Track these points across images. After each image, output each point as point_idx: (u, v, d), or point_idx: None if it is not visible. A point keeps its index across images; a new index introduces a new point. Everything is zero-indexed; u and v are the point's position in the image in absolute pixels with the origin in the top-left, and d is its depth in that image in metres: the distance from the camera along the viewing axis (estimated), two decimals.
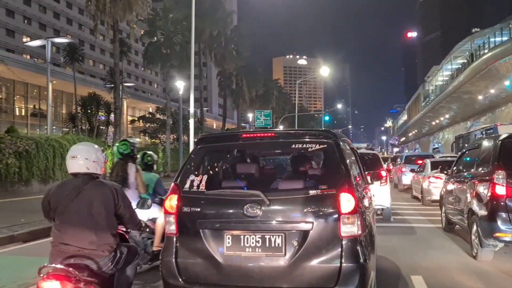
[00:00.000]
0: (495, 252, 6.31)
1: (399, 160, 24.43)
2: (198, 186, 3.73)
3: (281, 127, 52.50)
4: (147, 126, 43.31)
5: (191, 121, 22.10)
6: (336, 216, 3.37)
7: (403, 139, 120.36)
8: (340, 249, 3.33)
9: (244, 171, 4.24)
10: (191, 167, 3.94)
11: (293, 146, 4.03)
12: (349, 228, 3.36)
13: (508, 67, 33.73)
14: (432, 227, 9.55)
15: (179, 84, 25.25)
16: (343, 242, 3.34)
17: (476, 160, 7.23)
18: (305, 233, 3.40)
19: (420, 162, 18.71)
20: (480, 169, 6.78)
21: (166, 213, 3.72)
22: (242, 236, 3.50)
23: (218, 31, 47.59)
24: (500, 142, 6.32)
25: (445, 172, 9.45)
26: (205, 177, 3.82)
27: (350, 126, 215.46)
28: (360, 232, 3.41)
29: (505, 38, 33.49)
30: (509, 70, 33.79)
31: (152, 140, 42.56)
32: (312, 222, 3.39)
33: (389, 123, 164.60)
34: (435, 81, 67.77)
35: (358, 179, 4.24)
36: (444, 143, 62.46)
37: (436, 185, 12.98)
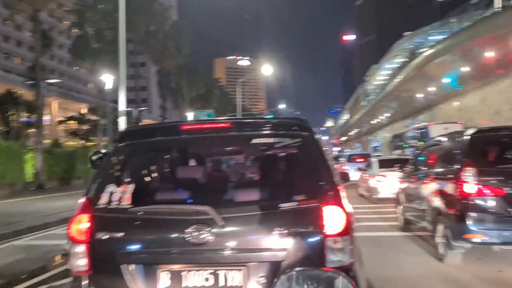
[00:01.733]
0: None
1: (341, 159, 25.64)
2: (119, 201, 2.80)
3: None
4: (79, 128, 40.05)
5: (121, 120, 19.86)
6: (319, 239, 2.58)
7: (344, 138, 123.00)
8: None
9: (186, 177, 3.33)
10: (109, 174, 3.00)
11: (254, 141, 3.08)
12: (337, 256, 2.56)
13: (446, 65, 34.19)
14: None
15: (106, 78, 22.60)
16: None
17: (439, 158, 6.95)
18: (276, 265, 2.55)
19: (360, 160, 21.06)
20: (445, 167, 6.40)
21: (74, 241, 2.74)
22: (184, 273, 2.62)
23: (156, 26, 45.25)
24: (469, 138, 5.95)
25: (401, 170, 9.45)
26: (130, 187, 2.87)
27: None
28: (351, 260, 2.61)
29: (445, 36, 33.81)
30: (447, 67, 34.26)
31: (83, 143, 39.31)
32: (286, 249, 2.56)
33: (330, 123, 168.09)
34: (374, 80, 69.14)
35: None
36: (384, 142, 63.78)
37: (382, 183, 13.26)
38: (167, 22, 47.87)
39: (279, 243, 2.57)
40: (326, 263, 2.56)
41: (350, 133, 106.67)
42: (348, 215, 2.68)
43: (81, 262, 2.70)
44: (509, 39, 25.57)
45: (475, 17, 29.80)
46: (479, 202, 5.45)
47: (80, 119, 39.35)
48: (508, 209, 5.37)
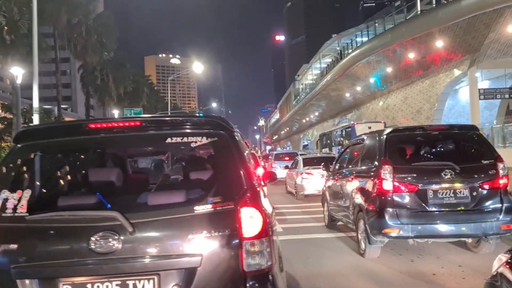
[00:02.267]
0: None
1: (270, 157, 27.02)
2: (15, 209, 2.57)
3: None
4: None
5: (35, 118, 18.22)
6: (236, 242, 2.49)
7: (275, 137, 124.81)
8: None
9: (96, 181, 3.08)
10: (5, 177, 2.74)
11: (170, 140, 2.88)
12: (255, 260, 2.50)
13: (372, 65, 35.49)
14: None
15: (15, 71, 20.53)
16: (248, 281, 2.48)
17: (360, 156, 7.12)
18: (191, 272, 2.45)
19: (287, 158, 23.07)
20: (366, 165, 6.64)
21: None
22: (89, 286, 2.42)
23: (79, 19, 42.62)
24: (385, 137, 6.20)
25: (324, 169, 9.67)
26: (27, 193, 2.63)
27: None
28: (270, 263, 2.56)
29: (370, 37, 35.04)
30: (373, 68, 35.58)
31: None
32: (201, 255, 2.46)
33: (261, 122, 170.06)
34: (305, 79, 70.56)
35: (259, 185, 3.01)
36: (314, 140, 65.39)
37: (308, 180, 14.24)
38: (90, 15, 45.23)
39: (193, 249, 2.46)
40: (243, 267, 2.48)
41: (281, 132, 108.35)
42: (266, 216, 2.59)
43: None
44: (427, 41, 26.93)
45: (398, 20, 31.20)
46: (395, 198, 5.71)
47: None
48: (422, 204, 5.67)
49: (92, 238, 2.41)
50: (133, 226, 2.43)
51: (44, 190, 3.01)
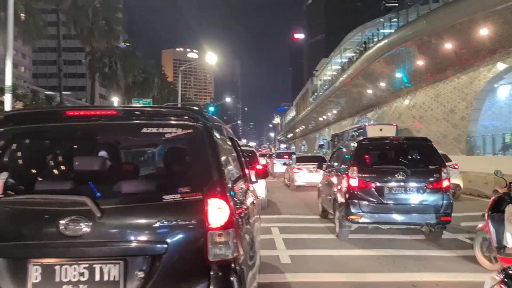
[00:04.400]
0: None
1: (273, 155, 31.89)
2: None
3: None
4: None
5: (7, 99, 15.40)
6: (202, 232, 2.57)
7: (290, 135, 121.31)
8: (207, 281, 2.53)
9: (72, 167, 3.08)
10: None
11: (144, 130, 2.93)
12: (221, 250, 2.57)
13: (400, 58, 31.94)
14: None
15: None
16: (212, 271, 2.54)
17: (341, 158, 8.84)
18: (156, 259, 2.53)
19: (286, 157, 26.33)
20: (343, 165, 8.32)
21: None
22: (58, 267, 2.52)
23: (85, 1, 40.25)
24: (356, 144, 7.95)
25: (317, 167, 12.09)
26: (3, 175, 2.75)
27: (239, 122, 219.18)
28: (236, 254, 2.63)
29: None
30: (401, 61, 31.99)
31: None
32: (167, 242, 2.54)
33: (277, 120, 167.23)
34: (323, 75, 66.98)
35: (238, 178, 3.48)
36: (330, 140, 61.96)
37: (298, 174, 17.86)
38: None
39: (160, 236, 2.54)
40: (208, 256, 2.55)
41: (296, 130, 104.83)
42: (233, 208, 2.66)
43: None
44: (469, 29, 23.36)
45: (422, 12, 27.78)
46: (359, 192, 7.38)
47: None
48: (379, 198, 7.35)
49: (62, 222, 2.50)
50: (102, 212, 2.51)
51: (21, 175, 3.08)
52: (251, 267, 3.00)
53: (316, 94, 68.71)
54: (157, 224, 2.53)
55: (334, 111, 60.04)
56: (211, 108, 46.73)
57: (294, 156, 20.49)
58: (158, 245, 2.51)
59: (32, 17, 29.49)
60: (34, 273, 2.51)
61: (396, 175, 7.25)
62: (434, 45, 27.13)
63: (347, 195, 7.39)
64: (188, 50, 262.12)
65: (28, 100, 33.27)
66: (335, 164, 9.18)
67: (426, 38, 27.18)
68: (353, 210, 7.26)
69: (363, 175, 7.34)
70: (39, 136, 3.25)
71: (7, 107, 15.30)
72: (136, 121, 2.98)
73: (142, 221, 2.56)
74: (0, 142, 2.93)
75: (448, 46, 25.84)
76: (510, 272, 2.63)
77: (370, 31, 41.83)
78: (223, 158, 2.92)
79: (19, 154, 3.14)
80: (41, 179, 3.05)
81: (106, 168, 3.35)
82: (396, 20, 33.65)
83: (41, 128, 3.04)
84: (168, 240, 2.51)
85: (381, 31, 37.63)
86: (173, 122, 2.91)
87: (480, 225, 6.07)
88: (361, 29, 48.16)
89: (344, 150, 8.84)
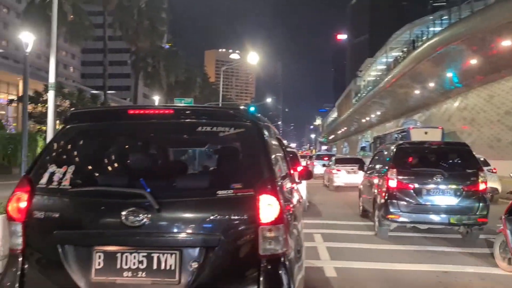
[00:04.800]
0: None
1: (313, 157, 32.50)
2: (60, 182, 2.84)
3: None
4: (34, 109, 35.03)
5: (50, 96, 15.56)
6: (253, 227, 2.65)
7: (332, 137, 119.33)
8: (257, 273, 2.63)
9: (132, 163, 3.39)
10: (53, 154, 3.05)
11: (199, 129, 3.04)
12: (271, 244, 2.66)
13: (451, 57, 30.29)
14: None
15: (25, 38, 17.72)
16: (262, 264, 2.64)
17: (382, 160, 9.32)
18: (209, 251, 2.64)
19: (326, 158, 27.20)
20: (382, 167, 8.73)
21: (11, 220, 2.83)
22: (119, 254, 2.68)
23: (131, 1, 40.89)
24: (395, 148, 8.43)
25: (359, 169, 12.44)
26: (71, 168, 2.90)
27: (280, 123, 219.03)
28: (285, 249, 2.72)
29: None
30: (453, 58, 30.33)
31: (39, 127, 34.50)
32: (220, 235, 2.64)
33: (318, 121, 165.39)
34: (367, 75, 65.18)
35: (284, 177, 3.50)
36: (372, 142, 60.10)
37: (337, 175, 18.56)
38: None
39: (213, 229, 2.65)
40: (259, 250, 2.63)
41: (338, 132, 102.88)
42: (284, 205, 2.75)
43: (17, 241, 2.78)
44: None
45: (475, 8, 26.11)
46: (397, 193, 7.79)
47: (34, 99, 34.33)
48: (417, 198, 7.75)
49: (123, 213, 2.64)
50: (160, 205, 2.64)
51: (85, 168, 3.22)
52: (298, 261, 3.11)
53: (359, 95, 66.97)
54: (211, 218, 2.65)
55: (378, 113, 58.24)
56: (252, 109, 46.25)
57: (333, 158, 21.88)
58: (211, 238, 2.62)
59: (79, 17, 30.23)
60: (98, 260, 2.67)
61: (434, 178, 7.68)
62: (489, 42, 25.46)
63: (386, 196, 7.86)
64: (230, 51, 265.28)
65: (75, 98, 34.18)
66: (376, 166, 9.64)
67: (480, 35, 25.55)
68: (391, 210, 7.69)
69: (402, 177, 7.79)
70: (101, 133, 3.38)
71: (50, 103, 15.49)
72: (193, 120, 3.12)
73: (197, 214, 2.69)
74: (66, 138, 3.16)
75: (506, 43, 24.11)
76: None
77: (418, 29, 40.07)
78: (272, 156, 3.01)
79: (81, 149, 3.29)
80: (97, 174, 3.23)
81: (159, 165, 3.62)
82: (447, 17, 31.93)
83: (104, 125, 3.24)
84: (221, 233, 2.62)
85: (431, 29, 35.95)
86: (226, 121, 3.03)
87: (501, 227, 6.17)
88: (409, 27, 46.28)
89: (385, 152, 9.36)
